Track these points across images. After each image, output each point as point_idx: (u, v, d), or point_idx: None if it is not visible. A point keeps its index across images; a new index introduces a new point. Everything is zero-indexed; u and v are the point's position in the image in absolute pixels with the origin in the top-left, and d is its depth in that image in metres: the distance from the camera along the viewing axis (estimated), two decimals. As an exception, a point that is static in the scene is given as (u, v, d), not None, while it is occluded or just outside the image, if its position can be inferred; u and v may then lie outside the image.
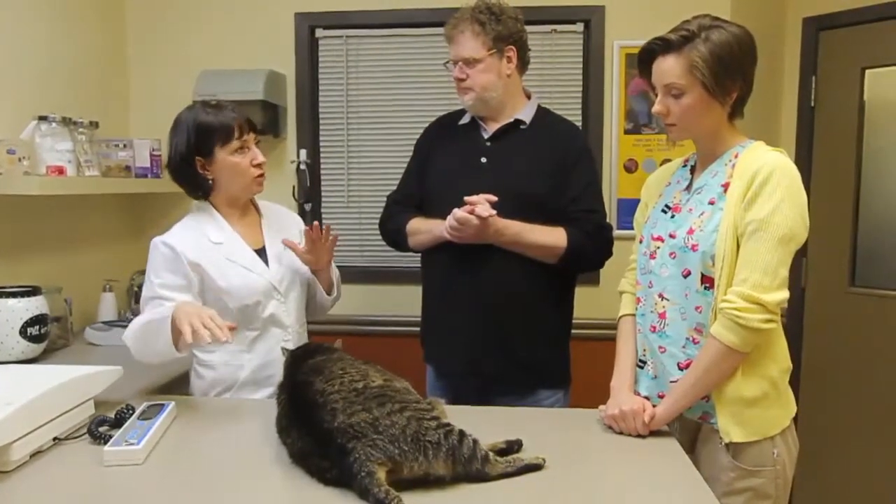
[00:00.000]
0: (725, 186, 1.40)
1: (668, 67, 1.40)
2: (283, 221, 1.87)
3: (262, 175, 1.74)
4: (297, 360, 1.45)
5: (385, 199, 2.12)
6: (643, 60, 1.46)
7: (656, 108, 1.45)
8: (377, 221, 2.11)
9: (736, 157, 1.43)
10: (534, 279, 1.84)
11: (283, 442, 1.31)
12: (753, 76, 1.43)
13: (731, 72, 1.37)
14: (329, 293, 1.90)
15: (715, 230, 1.38)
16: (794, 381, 1.47)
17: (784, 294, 1.34)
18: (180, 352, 1.55)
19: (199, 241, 1.68)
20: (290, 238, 1.81)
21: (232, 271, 1.68)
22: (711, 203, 1.42)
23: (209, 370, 1.74)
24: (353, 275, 2.86)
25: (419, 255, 2.03)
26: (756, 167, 1.35)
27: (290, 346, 1.67)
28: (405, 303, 2.59)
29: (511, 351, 1.85)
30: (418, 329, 2.05)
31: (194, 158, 1.67)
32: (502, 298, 1.83)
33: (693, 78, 1.37)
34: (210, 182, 1.70)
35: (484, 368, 1.86)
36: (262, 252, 1.75)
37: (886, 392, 2.67)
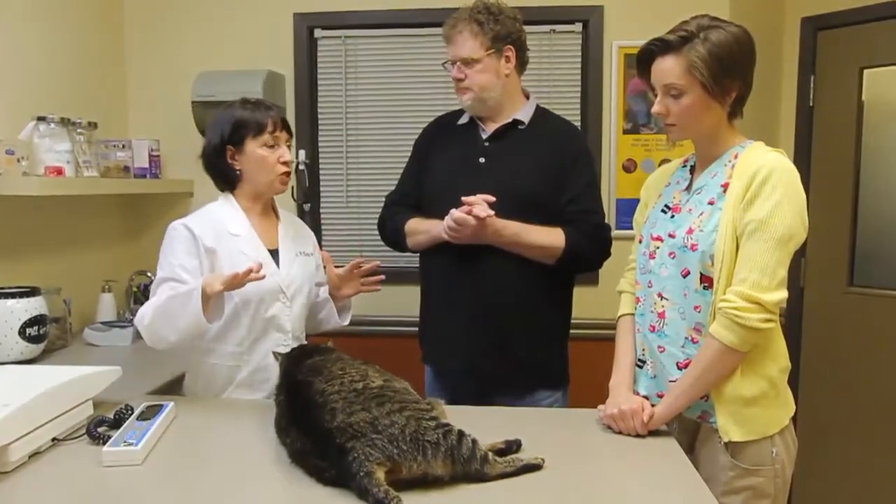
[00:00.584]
0: (725, 186, 1.40)
1: (667, 68, 1.40)
2: (300, 232, 1.89)
3: (287, 173, 1.76)
4: (295, 361, 1.45)
5: (384, 199, 2.12)
6: (642, 61, 1.46)
7: (656, 108, 1.45)
8: (376, 222, 2.11)
9: (735, 157, 1.43)
10: (532, 280, 1.83)
11: (283, 442, 1.31)
12: (753, 76, 1.43)
13: (730, 72, 1.37)
14: (341, 317, 1.92)
15: (714, 230, 1.38)
16: (793, 381, 1.48)
17: (783, 294, 1.35)
18: (210, 321, 1.54)
19: (216, 228, 1.70)
20: (305, 248, 1.85)
21: (244, 264, 1.67)
22: (711, 203, 1.42)
23: (206, 368, 1.74)
24: (351, 275, 2.86)
25: (418, 255, 2.03)
26: (755, 167, 1.36)
27: (284, 351, 1.66)
28: (404, 303, 2.58)
29: (509, 351, 1.85)
30: (417, 329, 2.05)
31: (226, 148, 1.71)
32: (500, 299, 1.83)
33: (692, 78, 1.37)
34: (237, 173, 1.73)
35: (482, 369, 1.86)
36: (274, 253, 1.76)
37: (885, 391, 2.67)
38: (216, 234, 1.68)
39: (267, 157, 1.71)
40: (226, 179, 1.77)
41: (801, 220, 1.35)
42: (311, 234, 1.96)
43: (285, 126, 1.76)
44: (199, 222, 1.70)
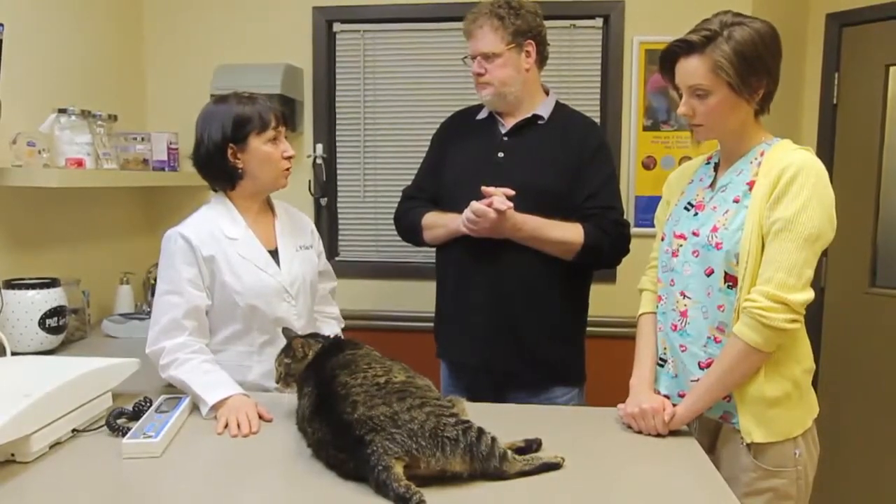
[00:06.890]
0: (751, 184, 1.38)
1: (691, 69, 1.37)
2: (297, 224, 1.85)
3: (289, 168, 1.73)
4: (327, 354, 1.43)
5: (401, 193, 2.11)
6: (665, 62, 1.44)
7: (681, 109, 1.42)
8: (392, 216, 2.10)
9: (762, 154, 1.40)
10: (549, 275, 1.82)
11: (303, 431, 1.32)
12: (779, 71, 1.40)
13: (756, 69, 1.35)
14: None
15: (739, 228, 1.36)
16: (812, 383, 1.46)
17: (809, 294, 1.32)
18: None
19: (214, 234, 1.67)
20: (304, 240, 1.81)
21: (244, 269, 1.67)
22: (736, 201, 1.40)
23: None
24: (367, 270, 2.86)
25: (434, 250, 2.02)
26: (783, 165, 1.33)
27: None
28: (419, 298, 2.59)
29: (525, 347, 1.84)
30: (432, 325, 2.05)
31: (227, 146, 1.65)
32: (517, 294, 1.82)
33: (718, 78, 1.34)
34: (239, 172, 1.68)
35: (497, 365, 1.85)
36: (274, 253, 1.74)
37: (907, 394, 2.63)
38: (213, 241, 1.65)
39: (272, 152, 1.67)
40: (226, 179, 1.70)
41: (830, 219, 1.33)
42: (309, 221, 1.91)
43: (284, 119, 1.72)
44: (194, 230, 1.65)
